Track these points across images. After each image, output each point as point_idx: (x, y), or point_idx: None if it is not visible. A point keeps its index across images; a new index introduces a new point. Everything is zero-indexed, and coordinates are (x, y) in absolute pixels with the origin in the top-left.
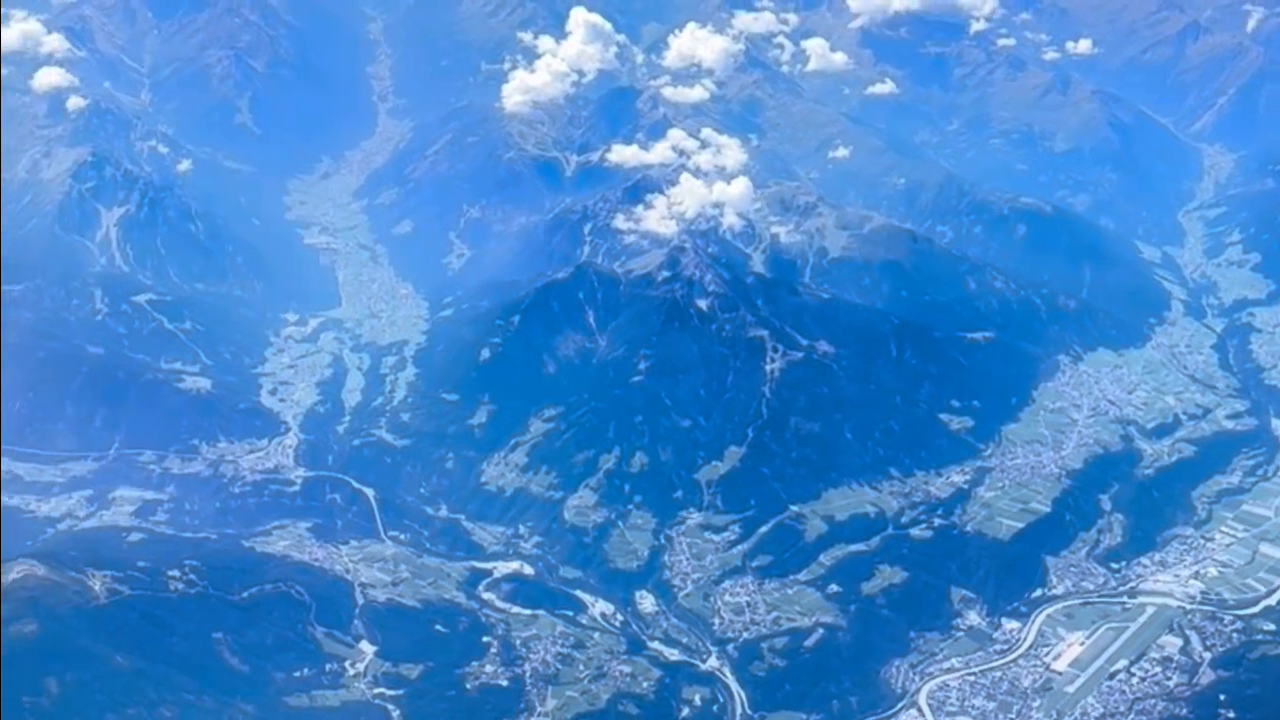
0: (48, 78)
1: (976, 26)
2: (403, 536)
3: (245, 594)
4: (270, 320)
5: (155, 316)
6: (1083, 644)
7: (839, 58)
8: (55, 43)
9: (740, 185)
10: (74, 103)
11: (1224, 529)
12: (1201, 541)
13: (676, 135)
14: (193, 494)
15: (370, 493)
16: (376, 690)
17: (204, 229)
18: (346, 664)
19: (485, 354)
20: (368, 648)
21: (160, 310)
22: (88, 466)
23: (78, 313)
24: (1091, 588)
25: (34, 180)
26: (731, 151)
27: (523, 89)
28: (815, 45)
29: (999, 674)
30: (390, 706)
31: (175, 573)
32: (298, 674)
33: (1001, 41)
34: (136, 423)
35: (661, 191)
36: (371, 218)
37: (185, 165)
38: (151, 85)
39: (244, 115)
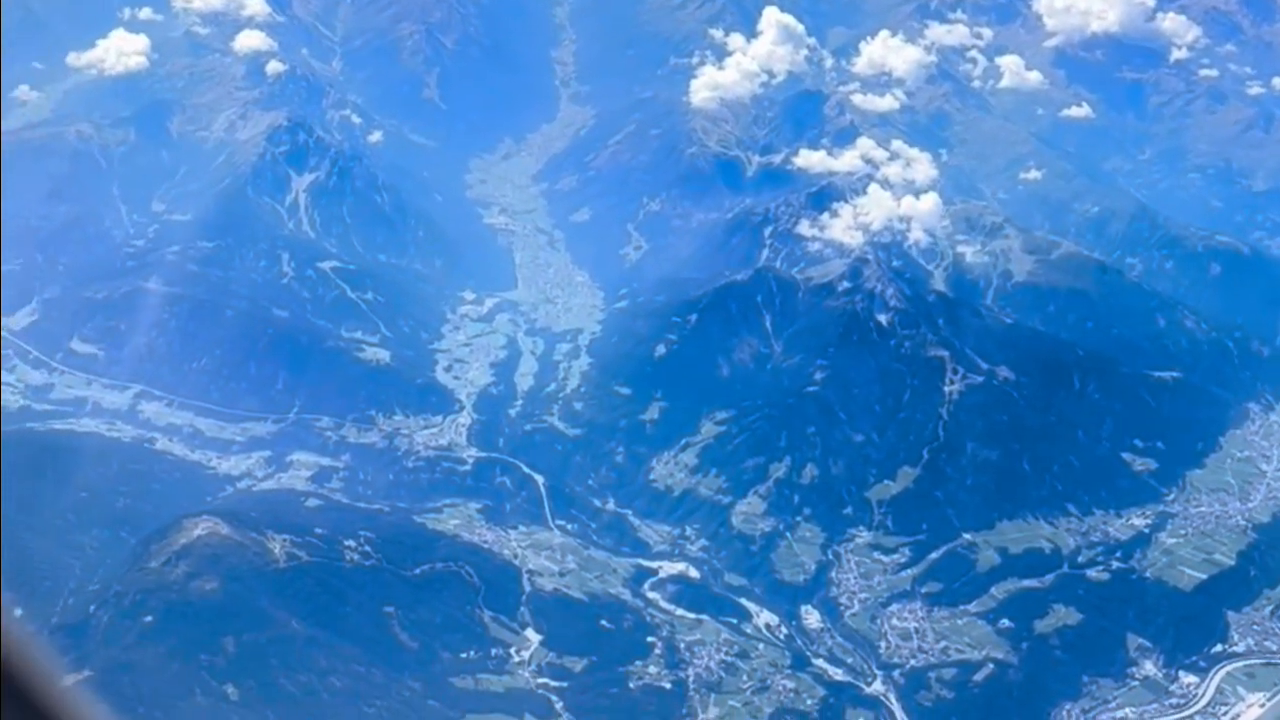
0: (249, 40)
1: (1177, 55)
2: (570, 527)
3: (417, 570)
4: (448, 297)
5: (338, 284)
6: (1263, 705)
7: (1033, 76)
8: (256, 5)
9: (930, 201)
10: (273, 67)
11: None
12: None
13: (866, 145)
14: (367, 464)
15: (539, 479)
16: (540, 680)
17: (389, 201)
18: (512, 650)
19: (660, 350)
20: (533, 636)
21: (343, 278)
22: (267, 428)
23: (265, 274)
24: (1274, 648)
25: (230, 140)
26: (922, 165)
27: (711, 85)
28: (1010, 62)
29: None
30: (554, 698)
31: (351, 543)
32: (464, 655)
33: (1203, 72)
34: (316, 388)
35: (847, 200)
36: (550, 202)
37: (376, 136)
38: (343, 54)
39: (431, 90)
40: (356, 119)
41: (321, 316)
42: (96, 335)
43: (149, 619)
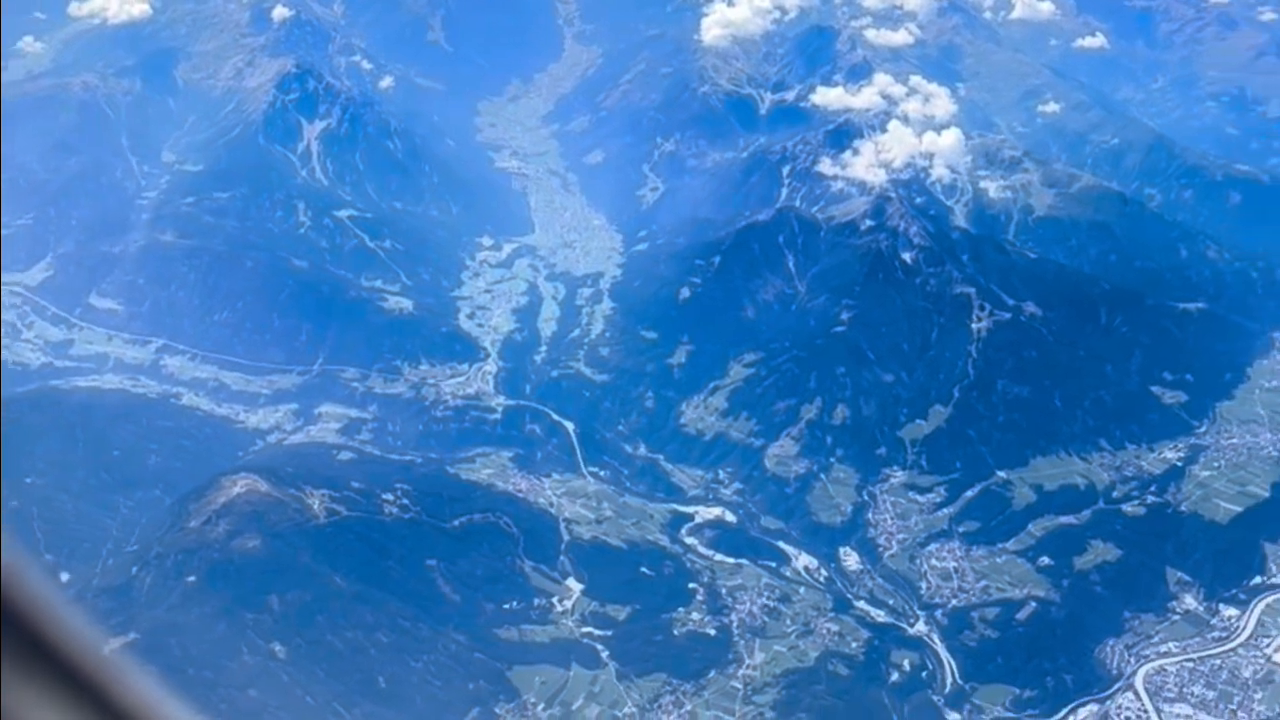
0: None
1: None
2: (603, 473)
3: (456, 522)
4: (465, 243)
5: (356, 233)
6: None
7: (1045, 7)
8: None
9: (952, 136)
10: (279, 12)
11: None
12: None
13: (883, 80)
14: (395, 415)
15: (569, 426)
16: (585, 629)
17: (401, 147)
18: (554, 600)
19: (685, 293)
20: (574, 585)
21: (361, 227)
22: (293, 380)
23: (281, 224)
24: None
25: (238, 88)
26: (941, 101)
27: (722, 22)
28: None
29: (1218, 662)
30: (599, 646)
31: (389, 496)
32: (507, 607)
33: None
34: (340, 339)
35: (866, 137)
36: (562, 144)
37: (388, 82)
38: None
39: (436, 33)
40: (366, 64)
41: (341, 266)
42: (115, 290)
43: (192, 579)
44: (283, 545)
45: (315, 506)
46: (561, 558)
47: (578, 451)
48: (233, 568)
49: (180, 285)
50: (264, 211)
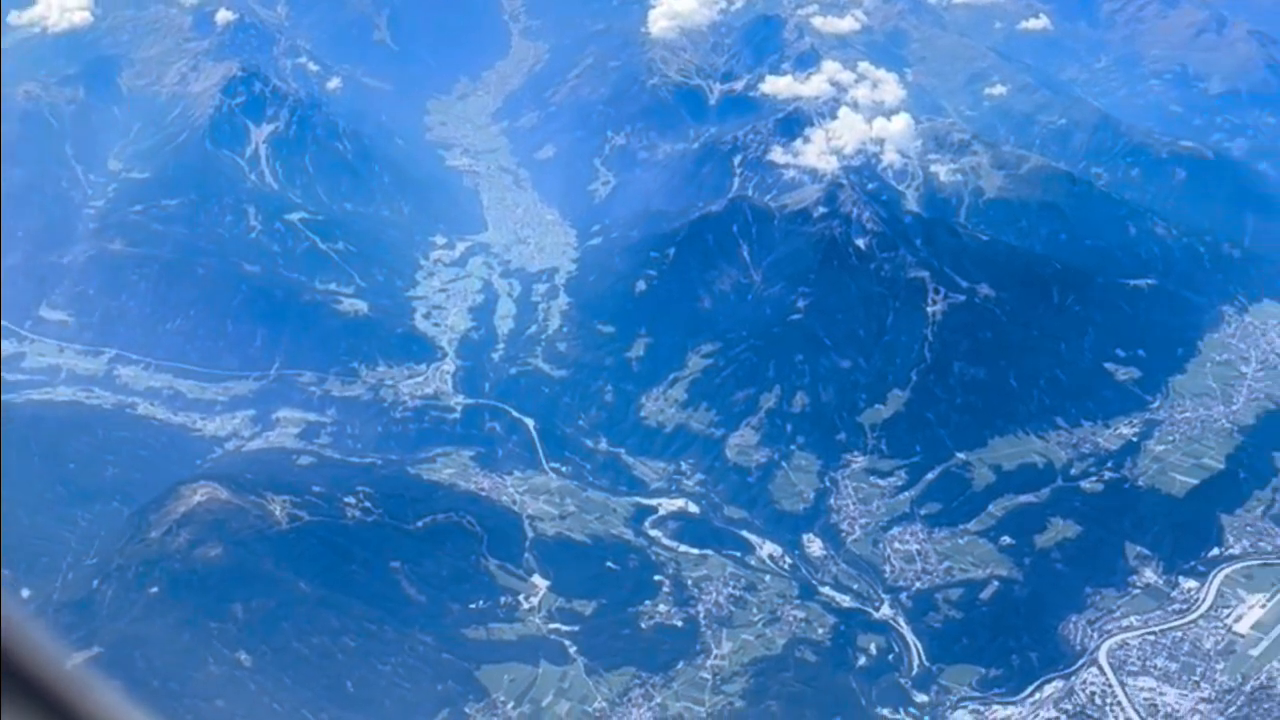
0: None
1: None
2: (564, 469)
3: (419, 523)
4: (419, 243)
5: (308, 236)
6: (1264, 606)
7: None
8: None
9: (901, 122)
10: (222, 16)
11: None
12: None
13: (832, 68)
14: (354, 417)
15: (529, 422)
16: (552, 625)
17: (351, 148)
18: (520, 597)
19: (640, 286)
20: (540, 582)
21: (313, 230)
22: (249, 386)
23: (231, 229)
24: (1270, 548)
25: (183, 93)
26: (890, 86)
27: (670, 14)
28: None
29: (1179, 634)
30: (567, 642)
31: (350, 499)
32: (473, 606)
33: None
34: (296, 343)
35: (816, 125)
36: (512, 141)
37: (335, 83)
38: None
39: (382, 32)
40: (313, 66)
41: (294, 270)
42: (65, 301)
43: (154, 590)
44: (245, 553)
45: (277, 512)
46: (526, 555)
47: (539, 448)
48: (195, 577)
49: (131, 294)
50: (213, 217)
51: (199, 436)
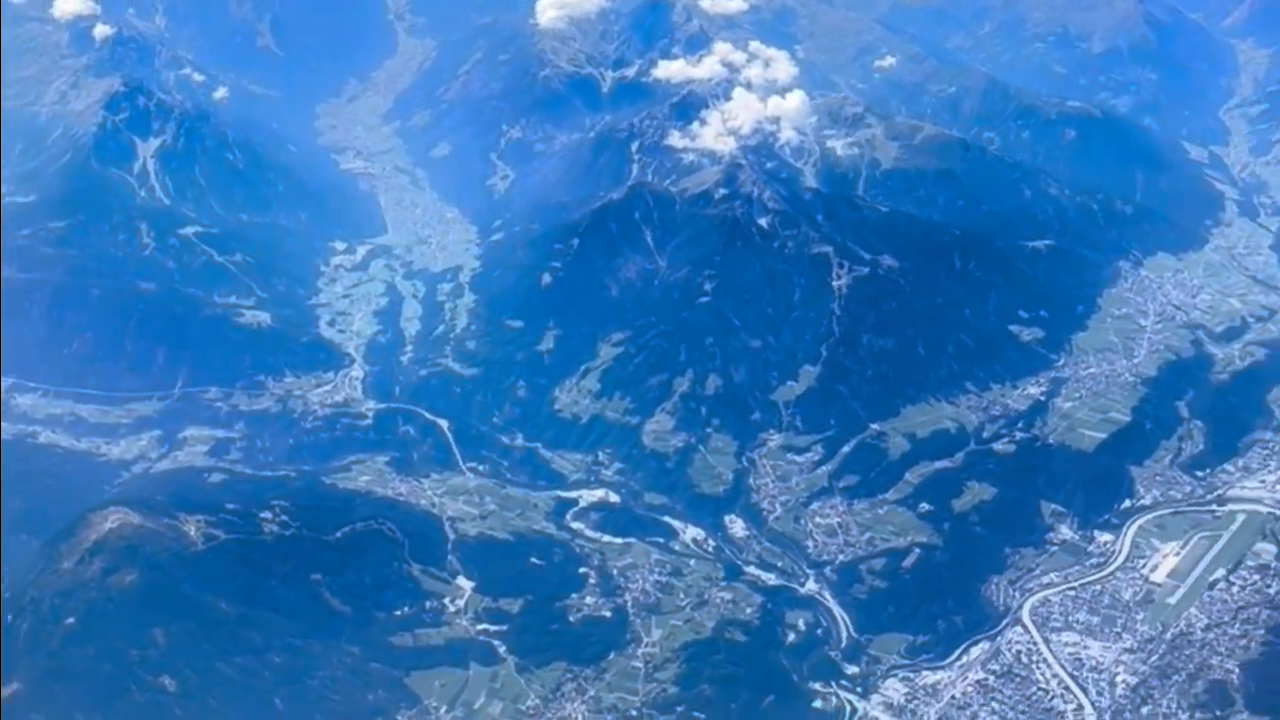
0: (68, 5)
1: None
2: (482, 468)
3: (338, 533)
4: (318, 249)
5: (204, 249)
6: (1178, 554)
7: None
8: None
9: (796, 99)
10: (100, 31)
11: None
12: None
13: (723, 49)
14: (264, 431)
15: (443, 423)
16: (480, 626)
17: (242, 158)
18: (446, 601)
19: (546, 279)
20: (465, 583)
21: (208, 243)
22: (153, 406)
23: (125, 248)
24: (1179, 497)
25: (64, 112)
26: (782, 64)
27: (557, 4)
28: None
29: (1098, 587)
30: (496, 642)
31: (267, 514)
32: (399, 613)
33: None
34: (199, 360)
35: (712, 107)
36: (406, 140)
37: (222, 92)
38: (165, 10)
39: (266, 38)
40: (198, 77)
41: (192, 285)
42: None
43: (71, 621)
44: (162, 576)
45: (191, 533)
46: (449, 557)
47: (454, 449)
48: (112, 605)
49: (25, 320)
50: (104, 237)
51: (105, 461)
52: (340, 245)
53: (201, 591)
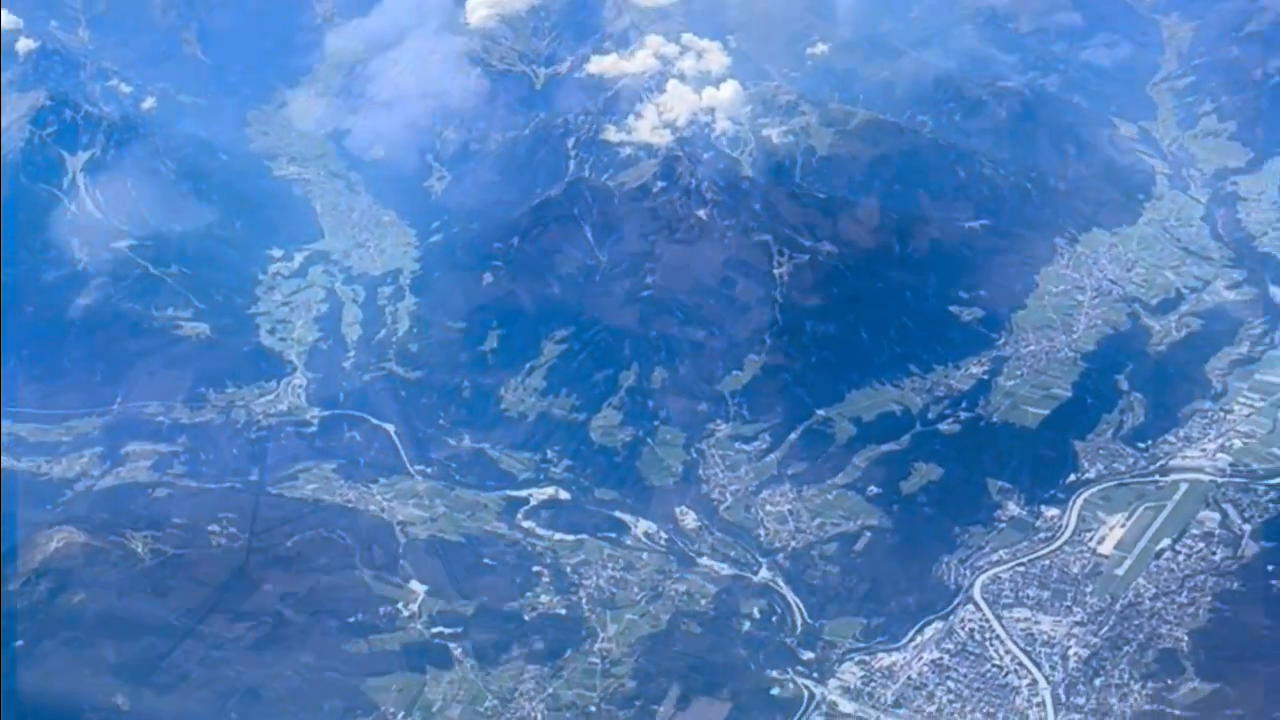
0: None
1: None
2: (430, 470)
3: (288, 543)
4: (255, 258)
5: (139, 262)
6: (1124, 526)
7: None
8: None
9: (730, 89)
10: (23, 44)
11: (1241, 400)
12: (1222, 414)
13: (655, 42)
14: (207, 443)
15: (389, 428)
16: (434, 630)
17: (173, 168)
18: (399, 605)
19: (487, 278)
20: (418, 587)
21: (143, 256)
22: (93, 423)
23: (57, 264)
24: (1123, 469)
25: None
26: (714, 55)
27: (488, 3)
28: None
29: (1047, 562)
30: (451, 645)
31: (214, 527)
32: (352, 620)
33: None
34: (138, 374)
35: (646, 100)
36: (339, 145)
37: (150, 102)
38: (88, 22)
39: (193, 46)
40: (125, 87)
41: (128, 299)
42: None
43: (19, 644)
44: (111, 594)
45: (139, 549)
46: (401, 562)
47: (402, 452)
48: (61, 626)
49: None
50: (36, 254)
51: (46, 480)
52: (277, 253)
53: (152, 607)
